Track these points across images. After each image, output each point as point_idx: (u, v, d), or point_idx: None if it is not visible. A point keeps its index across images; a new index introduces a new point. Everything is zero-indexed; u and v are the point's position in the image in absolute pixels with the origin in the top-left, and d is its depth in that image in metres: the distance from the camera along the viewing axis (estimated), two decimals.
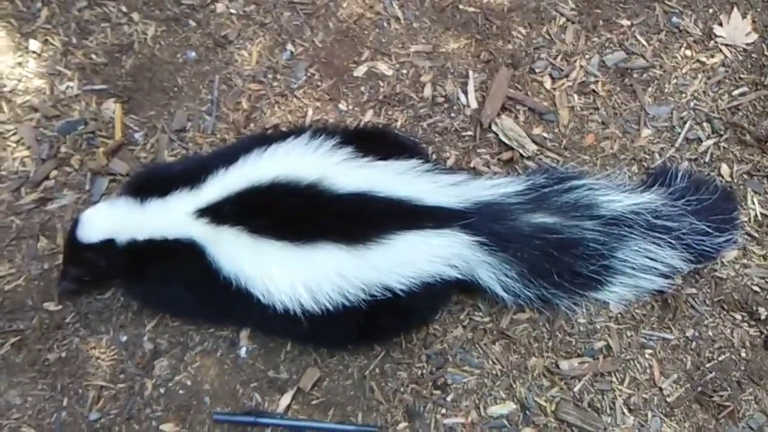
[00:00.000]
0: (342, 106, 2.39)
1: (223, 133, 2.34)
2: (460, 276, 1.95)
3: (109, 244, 1.96)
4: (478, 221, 1.93)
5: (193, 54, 2.45)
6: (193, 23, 2.48)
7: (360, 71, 2.43)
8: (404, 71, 2.43)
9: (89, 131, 2.33)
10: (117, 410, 2.04)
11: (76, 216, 2.04)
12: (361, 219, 1.88)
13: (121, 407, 2.04)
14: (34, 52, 2.42)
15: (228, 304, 1.97)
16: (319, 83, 2.41)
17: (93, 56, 2.43)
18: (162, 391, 2.07)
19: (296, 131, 2.05)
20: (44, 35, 2.45)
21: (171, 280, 2.00)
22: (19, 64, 2.41)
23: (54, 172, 2.28)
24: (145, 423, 2.03)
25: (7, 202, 2.24)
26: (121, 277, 2.11)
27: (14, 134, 2.32)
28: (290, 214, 1.87)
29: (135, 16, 2.48)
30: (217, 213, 1.88)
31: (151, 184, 2.01)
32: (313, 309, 1.86)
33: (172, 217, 1.91)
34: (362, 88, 2.41)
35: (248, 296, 1.88)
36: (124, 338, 2.12)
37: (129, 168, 2.28)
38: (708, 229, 2.07)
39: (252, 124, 2.35)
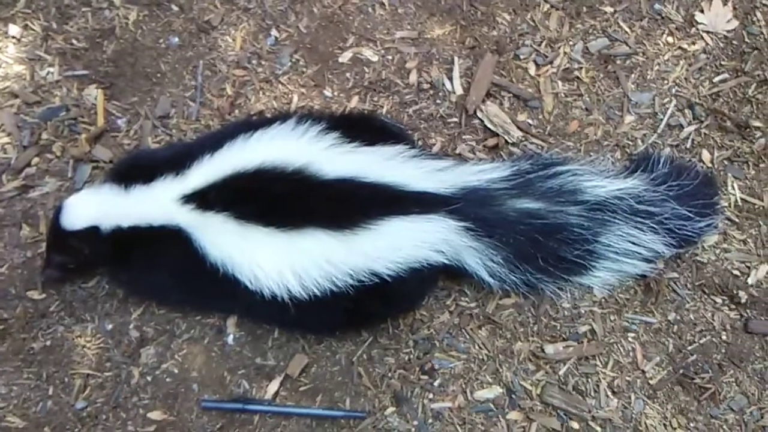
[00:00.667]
0: (327, 92, 2.38)
1: (208, 120, 2.32)
2: (446, 261, 1.96)
3: (93, 231, 1.94)
4: (464, 207, 1.94)
5: (176, 39, 2.42)
6: (175, 8, 2.45)
7: (345, 57, 2.42)
8: (389, 57, 2.42)
9: (71, 117, 2.30)
10: (104, 398, 2.03)
11: (59, 203, 2.02)
12: (347, 204, 1.88)
13: (107, 395, 2.04)
14: (13, 37, 2.38)
15: (215, 290, 1.96)
16: (304, 69, 2.40)
17: (74, 41, 2.39)
18: (149, 379, 2.06)
19: (282, 117, 2.04)
20: (24, 20, 2.40)
21: (157, 267, 1.98)
22: None
23: (36, 159, 2.25)
24: (132, 411, 2.03)
25: None
26: (106, 265, 2.09)
27: None
28: (277, 199, 1.87)
29: (116, 0, 2.44)
30: (203, 199, 1.87)
31: (135, 171, 1.99)
32: (301, 295, 1.87)
33: (158, 203, 1.90)
34: (347, 75, 2.40)
35: (235, 283, 1.88)
36: (110, 326, 2.10)
37: (112, 155, 2.26)
38: (689, 214, 2.11)
39: (237, 111, 2.34)
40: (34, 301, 2.11)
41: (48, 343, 2.08)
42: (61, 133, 2.29)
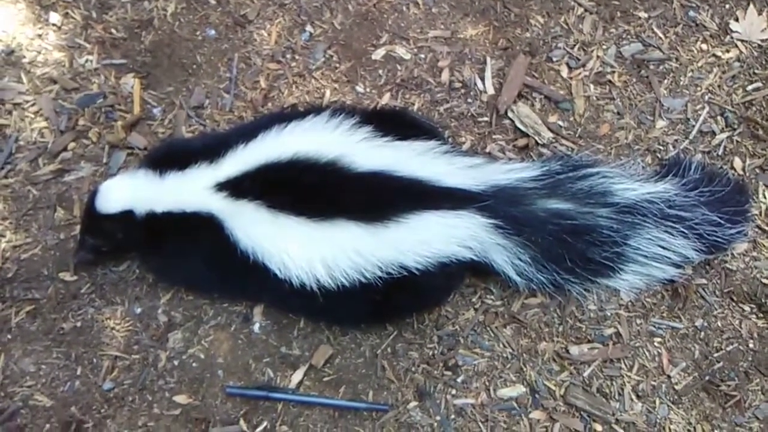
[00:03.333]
0: (359, 88, 2.40)
1: (241, 111, 2.35)
2: (474, 258, 1.97)
3: (127, 215, 1.97)
4: (494, 204, 1.95)
5: (213, 32, 2.46)
6: (213, 1, 2.49)
7: (378, 54, 2.44)
8: (422, 56, 2.44)
9: (108, 105, 2.34)
10: (131, 380, 2.06)
11: (95, 186, 2.06)
12: (378, 197, 1.90)
13: (134, 378, 2.06)
14: (54, 24, 2.43)
15: (244, 278, 1.98)
16: (337, 65, 2.43)
17: (113, 31, 2.44)
18: (175, 363, 2.09)
19: (316, 109, 2.07)
20: (64, 8, 2.46)
21: (188, 253, 2.01)
22: (39, 36, 2.42)
23: (72, 144, 2.29)
24: (158, 394, 2.05)
25: (25, 172, 2.25)
26: (138, 249, 2.13)
27: (33, 105, 2.33)
28: (309, 190, 1.89)
29: None
30: (237, 187, 1.89)
31: (170, 158, 2.02)
32: (329, 285, 1.88)
33: (191, 190, 1.93)
34: (380, 71, 2.42)
35: (265, 271, 1.90)
36: (139, 310, 2.13)
37: (146, 142, 2.30)
38: (720, 221, 2.09)
39: (270, 103, 2.37)
40: (66, 282, 2.15)
41: (78, 324, 2.11)
42: (97, 119, 2.33)
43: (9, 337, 2.09)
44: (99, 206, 1.99)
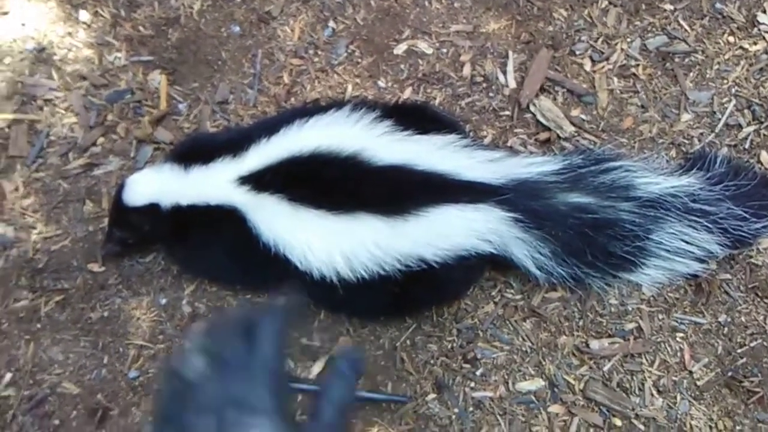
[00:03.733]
0: (381, 83, 2.41)
1: (264, 106, 2.39)
2: (494, 251, 1.96)
3: (153, 207, 2.01)
4: (515, 198, 1.95)
5: (237, 28, 2.49)
6: None
7: (400, 49, 2.45)
8: (444, 50, 2.45)
9: (135, 100, 2.39)
10: (155, 369, 2.11)
11: (122, 180, 2.11)
12: (399, 191, 1.91)
13: (159, 367, 2.11)
14: (83, 22, 2.49)
15: (265, 270, 2.01)
16: (359, 60, 2.44)
17: (141, 28, 2.49)
18: None
19: (337, 104, 2.09)
20: (94, 7, 2.51)
21: (212, 245, 2.05)
22: (69, 34, 2.48)
23: (101, 139, 2.35)
24: None
25: (56, 166, 2.32)
26: (164, 242, 2.17)
27: (64, 101, 2.39)
28: (330, 184, 1.91)
29: None
30: (259, 181, 1.92)
31: (195, 152, 2.06)
32: (349, 277, 1.90)
33: (215, 183, 1.96)
34: (402, 66, 2.43)
35: (286, 263, 1.92)
36: (164, 301, 2.18)
37: (173, 137, 2.34)
38: (745, 215, 2.06)
39: (293, 98, 2.40)
40: (94, 273, 2.21)
41: (105, 313, 2.17)
42: (125, 115, 2.38)
43: (38, 326, 2.15)
44: (126, 199, 2.03)
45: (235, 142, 2.01)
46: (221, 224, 1.99)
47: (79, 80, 2.42)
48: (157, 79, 2.42)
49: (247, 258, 2.02)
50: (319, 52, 2.46)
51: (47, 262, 2.21)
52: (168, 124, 2.37)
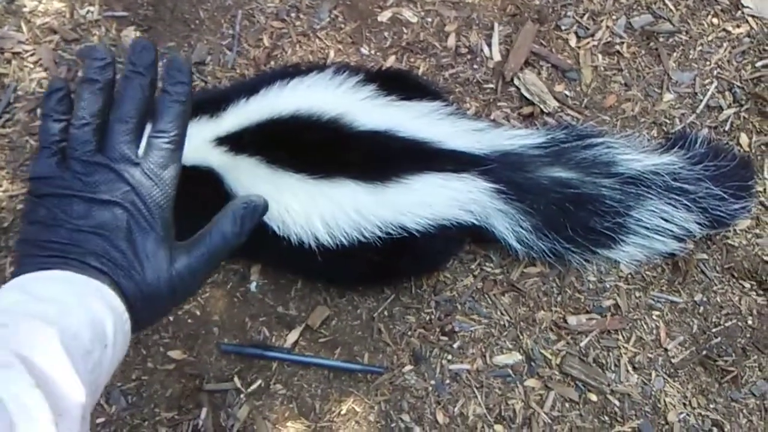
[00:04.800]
0: (364, 50, 2.36)
1: (243, 69, 2.32)
2: (475, 222, 1.94)
3: None
4: (497, 169, 1.93)
5: None
6: None
7: (384, 16, 2.40)
8: (429, 19, 2.40)
9: None
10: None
11: None
12: (381, 157, 1.86)
13: None
14: None
15: None
16: (342, 25, 2.38)
17: None
18: (171, 318, 2.07)
19: (319, 67, 2.03)
20: None
21: (187, 207, 1.95)
22: None
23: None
24: (153, 348, 2.04)
25: (23, 122, 2.22)
26: None
27: (32, 55, 2.29)
28: (310, 147, 1.86)
29: None
30: (237, 142, 1.86)
31: None
32: (328, 244, 1.86)
33: (191, 143, 1.83)
34: (385, 34, 2.38)
35: (263, 227, 1.87)
36: None
37: None
38: (724, 195, 2.07)
39: (272, 62, 2.33)
40: None
41: None
42: None
43: (2, 285, 2.06)
44: None
45: (212, 102, 1.94)
46: (197, 186, 1.88)
47: (50, 34, 2.32)
48: (131, 35, 2.33)
49: None
50: (301, 16, 2.39)
51: (12, 221, 2.12)
52: None
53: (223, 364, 2.03)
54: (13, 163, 2.17)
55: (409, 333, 2.08)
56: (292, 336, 2.05)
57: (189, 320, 2.07)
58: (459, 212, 1.91)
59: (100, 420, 1.95)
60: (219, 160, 1.87)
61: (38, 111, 2.23)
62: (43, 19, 2.33)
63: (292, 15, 2.39)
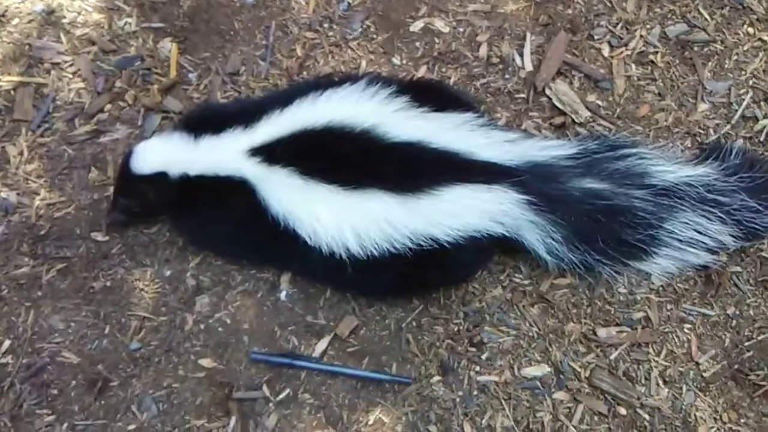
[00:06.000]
0: (395, 60, 2.37)
1: (276, 79, 2.35)
2: (505, 233, 1.94)
3: (161, 176, 1.98)
4: (529, 180, 1.92)
5: None
6: None
7: (416, 26, 2.41)
8: (461, 29, 2.41)
9: (145, 68, 2.35)
10: (157, 342, 2.08)
11: (130, 147, 2.07)
12: (412, 169, 1.88)
13: (161, 339, 2.08)
14: None
15: (274, 244, 1.99)
16: (374, 36, 2.40)
17: None
18: (202, 327, 2.10)
19: (352, 78, 2.05)
20: None
21: (219, 217, 2.02)
22: None
23: (108, 106, 2.31)
24: (183, 356, 2.07)
25: (61, 131, 2.28)
26: (170, 212, 2.14)
27: (71, 65, 2.35)
28: (342, 158, 1.88)
29: None
30: (270, 153, 1.89)
31: (206, 121, 2.03)
32: (358, 254, 1.88)
33: (225, 154, 1.93)
34: (417, 44, 2.39)
35: (295, 237, 1.90)
36: (168, 273, 2.15)
37: (182, 106, 2.30)
38: (759, 207, 2.05)
39: (305, 72, 2.36)
40: (98, 242, 2.17)
41: (108, 283, 2.14)
42: (134, 82, 2.34)
43: (39, 293, 2.12)
44: (133, 167, 2.00)
45: (246, 113, 1.98)
46: (230, 196, 1.95)
47: (88, 45, 2.38)
48: (168, 47, 2.38)
49: (255, 231, 1.99)
50: (334, 26, 2.41)
51: (50, 229, 2.18)
52: (177, 93, 2.33)
53: (253, 373, 2.06)
54: (51, 171, 2.23)
55: (438, 344, 2.08)
56: (321, 345, 2.07)
57: (219, 329, 2.10)
58: (490, 223, 1.91)
59: (131, 427, 1.99)
60: (253, 170, 1.90)
61: (76, 121, 2.28)
62: (83, 30, 2.39)
63: (325, 26, 2.42)
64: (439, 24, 2.40)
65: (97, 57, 2.36)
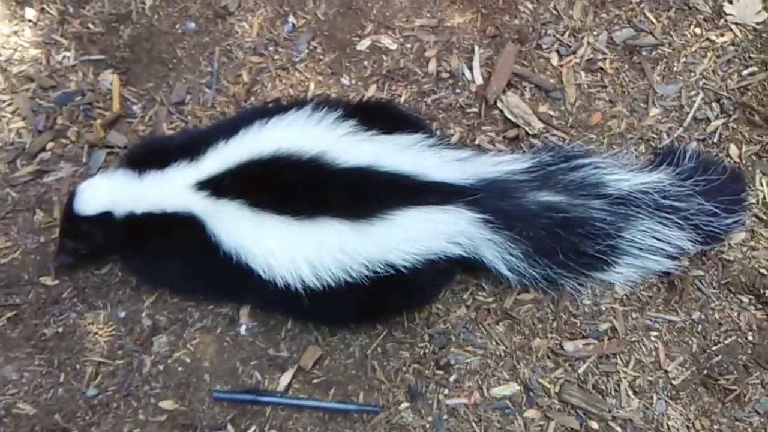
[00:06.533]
0: (344, 80, 2.34)
1: (223, 107, 2.29)
2: (464, 254, 1.91)
3: (106, 216, 1.92)
4: (483, 198, 1.90)
5: (193, 25, 2.39)
6: None
7: (363, 45, 2.38)
8: (408, 45, 2.38)
9: (86, 102, 2.28)
10: (115, 386, 2.01)
11: (73, 188, 2.00)
12: (363, 194, 1.84)
13: (119, 383, 2.02)
14: (29, 20, 2.37)
15: (228, 279, 1.93)
16: (321, 57, 2.36)
17: (90, 25, 2.37)
18: (161, 368, 2.04)
19: (298, 104, 2.00)
20: (40, 3, 2.39)
21: (170, 254, 1.96)
22: (15, 32, 2.35)
23: (50, 144, 2.24)
24: (143, 400, 2.00)
25: (3, 173, 2.20)
26: (119, 251, 2.07)
27: (10, 105, 2.27)
28: (292, 188, 1.83)
29: None
30: (217, 186, 1.84)
31: (149, 156, 1.97)
32: (315, 285, 1.83)
33: (171, 189, 1.87)
34: (365, 63, 2.36)
35: (249, 272, 1.85)
36: (123, 314, 2.08)
37: (127, 141, 2.24)
38: (716, 210, 2.04)
39: (253, 98, 2.31)
40: (47, 287, 2.10)
41: (60, 329, 2.06)
42: (76, 118, 2.27)
43: None
44: (77, 208, 1.94)
45: (191, 145, 1.93)
46: (179, 232, 1.89)
47: (26, 82, 2.30)
48: (109, 79, 2.31)
49: (208, 267, 1.93)
50: (280, 49, 2.37)
51: None
52: (121, 126, 2.27)
53: (216, 412, 1.99)
54: None
55: (404, 369, 2.04)
56: (285, 378, 2.02)
57: (179, 368, 2.03)
58: (446, 245, 1.88)
59: None
60: (200, 205, 1.85)
61: (18, 162, 2.20)
62: (20, 67, 2.31)
63: (270, 49, 2.37)
64: (386, 41, 2.37)
65: (36, 94, 2.29)
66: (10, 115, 2.27)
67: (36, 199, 2.18)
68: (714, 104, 2.33)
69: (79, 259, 2.07)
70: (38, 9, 2.38)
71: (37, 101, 2.28)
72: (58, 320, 2.07)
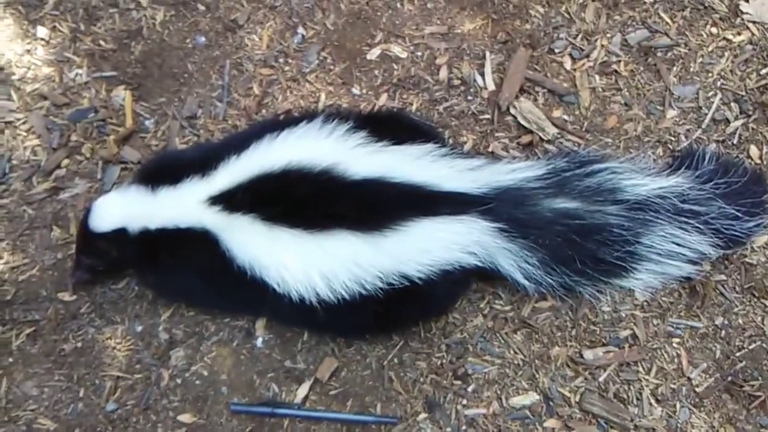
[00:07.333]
0: (355, 90, 2.33)
1: (235, 120, 2.30)
2: (479, 263, 1.89)
3: (121, 233, 1.92)
4: (498, 207, 1.88)
5: (203, 39, 2.40)
6: (202, 7, 2.43)
7: (373, 54, 2.37)
8: (419, 53, 2.36)
9: (100, 119, 2.29)
10: (134, 401, 2.02)
11: (88, 205, 2.02)
12: (376, 205, 1.83)
13: (137, 398, 2.02)
14: (42, 39, 2.38)
15: (242, 293, 1.93)
16: (331, 67, 2.36)
17: (102, 42, 2.39)
18: (178, 381, 2.04)
19: (309, 116, 2.00)
20: (52, 22, 2.41)
21: (184, 269, 1.96)
22: (28, 51, 2.37)
23: (65, 161, 2.25)
24: (162, 413, 2.01)
25: (19, 191, 2.22)
26: (135, 267, 2.08)
27: (24, 123, 2.29)
28: (304, 201, 1.83)
29: (143, 0, 2.43)
30: (230, 201, 1.84)
31: (162, 172, 1.97)
32: (329, 298, 1.82)
33: (184, 205, 1.87)
34: (376, 72, 2.35)
35: (263, 285, 1.84)
36: (140, 328, 2.09)
37: (140, 156, 2.25)
38: (737, 213, 2.00)
39: (264, 110, 2.31)
40: (65, 302, 2.11)
41: (79, 344, 2.07)
42: (90, 134, 2.28)
43: (10, 360, 2.05)
44: (92, 225, 1.94)
45: (203, 160, 1.92)
46: (193, 247, 1.90)
47: (40, 100, 2.32)
48: (122, 95, 2.32)
49: (223, 281, 1.93)
50: (290, 61, 2.36)
51: (15, 293, 2.11)
52: (135, 142, 2.28)
53: (234, 425, 1.99)
54: (12, 234, 2.17)
55: (421, 379, 2.02)
56: (302, 390, 2.01)
57: (197, 381, 2.03)
58: (461, 255, 1.86)
59: None
60: (213, 220, 1.84)
61: (34, 180, 2.22)
62: (33, 85, 2.33)
63: (281, 60, 2.37)
64: (397, 50, 2.36)
65: (50, 112, 2.30)
66: (25, 134, 2.28)
67: (52, 216, 2.19)
68: (733, 104, 2.29)
69: (95, 275, 2.08)
70: (50, 27, 2.40)
71: (51, 119, 2.30)
72: (76, 335, 2.08)
